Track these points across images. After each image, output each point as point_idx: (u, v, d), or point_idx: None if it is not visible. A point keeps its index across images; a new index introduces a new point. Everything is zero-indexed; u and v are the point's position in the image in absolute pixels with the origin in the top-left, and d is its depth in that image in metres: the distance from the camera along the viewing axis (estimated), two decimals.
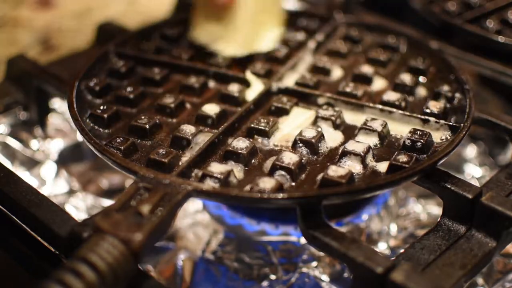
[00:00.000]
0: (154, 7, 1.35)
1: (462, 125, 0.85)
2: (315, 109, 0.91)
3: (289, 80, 0.97)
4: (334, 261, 0.90)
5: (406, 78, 0.96)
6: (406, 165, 0.78)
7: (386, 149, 0.84)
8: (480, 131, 1.10)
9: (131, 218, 0.68)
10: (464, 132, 0.83)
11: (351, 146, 0.81)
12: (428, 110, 0.88)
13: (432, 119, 0.86)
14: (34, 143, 1.08)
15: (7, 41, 1.33)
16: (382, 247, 0.95)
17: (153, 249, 0.92)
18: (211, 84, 0.97)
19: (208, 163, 0.79)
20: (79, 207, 1.01)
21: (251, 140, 0.84)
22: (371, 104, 0.90)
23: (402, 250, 0.79)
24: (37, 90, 1.05)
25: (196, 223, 0.98)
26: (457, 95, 0.93)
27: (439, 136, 0.85)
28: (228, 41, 1.02)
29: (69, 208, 1.00)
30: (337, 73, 1.00)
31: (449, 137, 0.85)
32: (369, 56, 1.03)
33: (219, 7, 1.01)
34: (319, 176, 0.78)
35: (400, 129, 0.87)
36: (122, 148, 0.81)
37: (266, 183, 0.75)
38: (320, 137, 0.83)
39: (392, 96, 0.91)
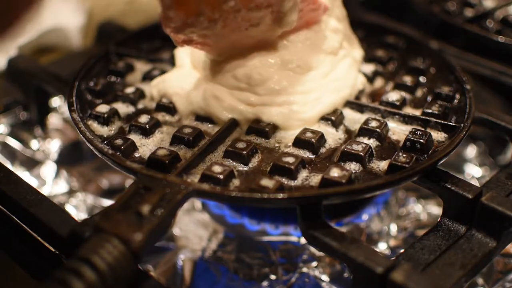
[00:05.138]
0: (154, 7, 1.34)
1: (462, 125, 0.85)
2: None
3: None
4: (334, 261, 0.90)
5: (406, 78, 0.96)
6: (406, 165, 0.78)
7: (386, 149, 0.84)
8: (480, 131, 1.10)
9: (131, 218, 0.68)
10: (464, 132, 0.83)
11: (351, 146, 0.81)
12: (428, 110, 0.88)
13: (432, 119, 0.86)
14: (34, 143, 1.08)
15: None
16: (382, 247, 0.95)
17: (153, 249, 0.92)
18: None
19: (208, 163, 0.79)
20: (79, 207, 1.01)
21: (251, 139, 0.84)
22: (371, 104, 0.90)
23: (402, 250, 0.79)
24: (37, 90, 1.06)
25: (196, 223, 0.98)
26: (457, 95, 0.93)
27: (439, 136, 0.85)
28: None
29: (69, 208, 1.00)
30: None
31: (449, 137, 0.85)
32: (369, 56, 1.03)
33: None
34: (319, 176, 0.78)
35: (400, 129, 0.87)
36: (122, 148, 0.81)
37: (267, 183, 0.75)
38: (320, 137, 0.83)
39: (392, 96, 0.91)
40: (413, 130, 0.84)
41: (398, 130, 0.87)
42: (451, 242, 0.78)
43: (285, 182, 0.78)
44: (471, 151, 1.13)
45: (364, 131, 0.85)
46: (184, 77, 0.91)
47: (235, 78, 0.86)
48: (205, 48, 0.86)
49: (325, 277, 0.90)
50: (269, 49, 0.88)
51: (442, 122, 0.86)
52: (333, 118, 0.87)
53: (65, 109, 1.10)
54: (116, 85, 0.97)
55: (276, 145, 0.84)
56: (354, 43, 0.98)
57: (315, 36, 0.90)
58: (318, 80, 0.88)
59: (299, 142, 0.83)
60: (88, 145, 0.82)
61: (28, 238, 0.81)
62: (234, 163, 0.80)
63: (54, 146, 1.09)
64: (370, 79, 0.97)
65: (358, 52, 0.98)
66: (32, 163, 1.05)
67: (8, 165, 1.01)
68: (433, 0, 1.22)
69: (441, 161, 0.80)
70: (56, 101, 1.12)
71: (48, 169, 1.06)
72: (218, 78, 0.87)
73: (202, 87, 0.87)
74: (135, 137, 0.85)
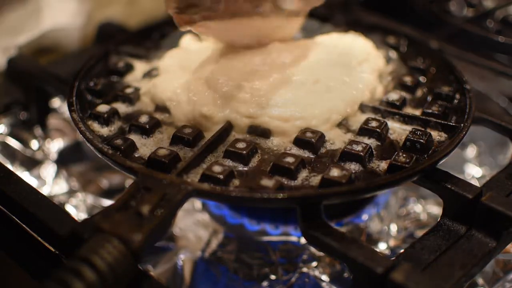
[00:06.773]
0: (154, 7, 1.35)
1: (462, 125, 0.85)
2: None
3: None
4: (334, 261, 0.90)
5: (406, 78, 0.96)
6: (406, 165, 0.78)
7: (386, 149, 0.84)
8: (480, 131, 1.09)
9: (131, 218, 0.68)
10: (464, 132, 0.83)
11: (351, 146, 0.81)
12: (428, 110, 0.88)
13: (432, 119, 0.86)
14: (34, 143, 1.08)
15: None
16: (382, 247, 0.95)
17: (153, 249, 0.92)
18: None
19: (208, 163, 0.79)
20: (79, 207, 1.01)
21: (251, 140, 0.84)
22: (371, 104, 0.90)
23: (402, 250, 0.79)
24: (37, 90, 1.06)
25: (196, 223, 0.98)
26: (457, 95, 0.93)
27: (439, 136, 0.85)
28: None
29: (69, 208, 1.00)
30: None
31: (449, 137, 0.85)
32: None
33: None
34: (319, 176, 0.78)
35: (400, 129, 0.87)
36: (122, 148, 0.81)
37: (267, 183, 0.75)
38: (320, 137, 0.83)
39: (392, 96, 0.91)
40: (413, 130, 0.84)
41: (398, 130, 0.87)
42: (451, 242, 0.78)
43: (285, 182, 0.78)
44: (471, 151, 1.13)
45: (364, 131, 0.85)
46: (176, 80, 0.90)
47: (239, 89, 0.86)
48: (206, 31, 0.85)
49: (325, 277, 0.90)
50: (276, 60, 0.89)
51: (442, 122, 0.86)
52: None
53: (65, 109, 1.10)
54: (116, 85, 0.97)
55: (276, 145, 0.84)
56: (374, 51, 0.98)
57: (329, 51, 0.92)
58: (331, 91, 0.88)
59: (299, 142, 0.83)
60: (88, 145, 0.82)
61: (28, 238, 0.81)
62: (234, 163, 0.80)
63: (54, 146, 1.09)
64: None
65: (380, 59, 0.97)
66: (32, 163, 1.05)
67: (8, 165, 1.01)
68: (433, 0, 1.22)
69: (441, 161, 0.80)
70: (56, 101, 1.12)
71: (48, 169, 1.06)
72: (216, 86, 0.87)
73: (192, 102, 0.86)
74: (135, 137, 0.85)
